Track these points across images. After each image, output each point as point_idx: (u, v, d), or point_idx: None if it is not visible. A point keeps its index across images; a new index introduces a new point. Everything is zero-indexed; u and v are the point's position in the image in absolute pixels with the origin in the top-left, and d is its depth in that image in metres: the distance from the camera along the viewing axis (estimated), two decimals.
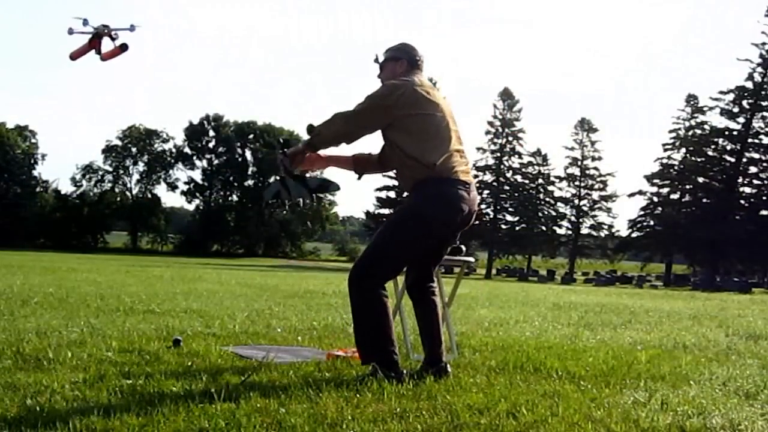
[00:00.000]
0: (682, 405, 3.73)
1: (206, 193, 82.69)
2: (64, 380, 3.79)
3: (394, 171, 4.43)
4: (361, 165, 4.64)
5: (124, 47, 4.32)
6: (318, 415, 3.22)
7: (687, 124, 57.98)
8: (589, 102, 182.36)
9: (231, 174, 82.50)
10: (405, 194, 4.44)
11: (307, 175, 4.47)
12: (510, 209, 64.56)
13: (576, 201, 63.82)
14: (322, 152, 4.51)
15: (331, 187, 4.61)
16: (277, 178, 4.43)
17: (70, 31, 4.31)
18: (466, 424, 3.17)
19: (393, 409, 3.37)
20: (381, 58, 4.44)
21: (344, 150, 4.48)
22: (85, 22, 4.28)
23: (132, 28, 4.31)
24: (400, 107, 4.15)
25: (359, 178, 4.66)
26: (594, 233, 64.45)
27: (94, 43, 4.30)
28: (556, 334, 7.25)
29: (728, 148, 54.71)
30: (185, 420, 3.07)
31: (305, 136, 4.32)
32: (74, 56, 4.40)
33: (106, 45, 4.31)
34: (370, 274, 4.11)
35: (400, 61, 4.38)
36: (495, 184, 64.14)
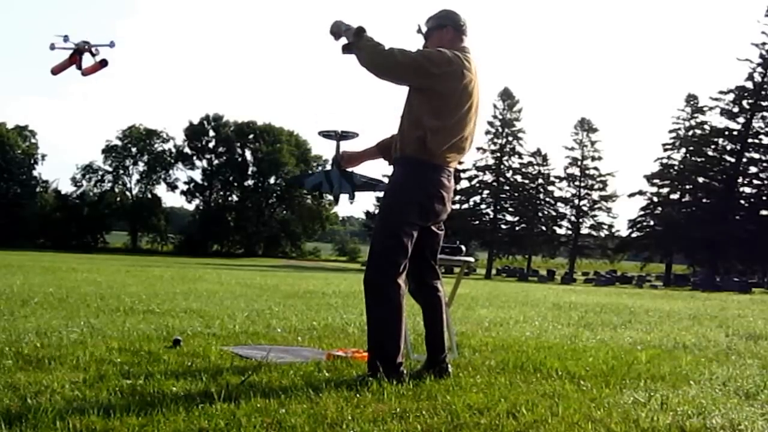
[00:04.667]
0: (682, 405, 3.73)
1: (206, 193, 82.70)
2: (64, 380, 3.79)
3: (399, 129, 4.27)
4: (388, 151, 4.50)
5: (104, 63, 4.38)
6: (318, 415, 3.21)
7: (687, 124, 57.95)
8: (589, 102, 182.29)
9: (231, 174, 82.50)
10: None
11: (353, 171, 4.42)
12: (510, 209, 64.53)
13: (576, 201, 63.79)
14: (355, 150, 4.46)
15: (378, 186, 4.56)
16: (323, 169, 4.41)
17: (52, 47, 4.36)
18: (466, 424, 3.17)
19: (393, 409, 3.37)
20: (424, 29, 4.32)
21: (367, 144, 4.41)
22: (66, 39, 4.34)
23: (112, 45, 4.37)
24: (442, 81, 4.07)
25: (390, 164, 4.47)
26: (594, 233, 64.42)
27: (74, 58, 4.36)
28: (556, 334, 7.25)
29: (728, 148, 54.67)
30: (185, 420, 3.07)
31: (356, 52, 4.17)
32: (55, 71, 4.48)
33: (87, 61, 4.37)
34: (380, 274, 4.10)
35: (446, 29, 4.26)
36: (495, 184, 64.11)
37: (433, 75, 4.06)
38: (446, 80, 4.08)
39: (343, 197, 4.66)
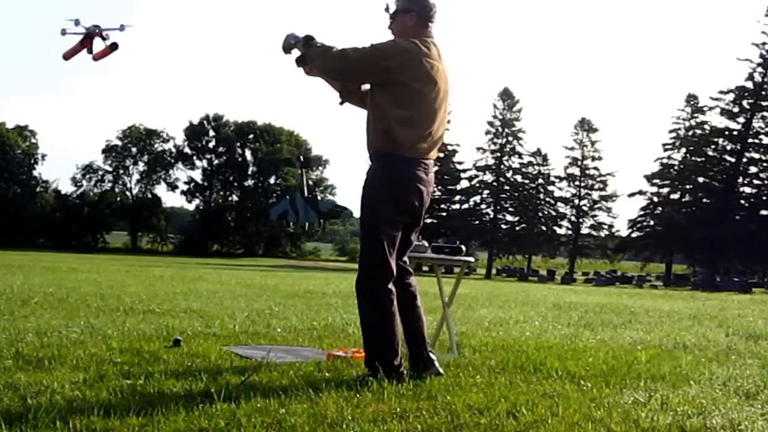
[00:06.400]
0: (682, 405, 3.73)
1: (206, 193, 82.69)
2: (64, 380, 3.79)
3: (365, 122, 4.23)
4: (347, 91, 4.41)
5: (114, 47, 4.37)
6: (318, 415, 3.22)
7: (687, 124, 57.96)
8: (589, 102, 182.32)
9: (231, 174, 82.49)
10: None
11: (320, 197, 4.42)
12: (510, 209, 64.52)
13: (576, 201, 63.79)
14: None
15: (344, 213, 4.52)
16: (287, 197, 4.39)
17: (63, 32, 4.36)
18: (466, 424, 3.17)
19: (393, 409, 3.37)
20: (392, 8, 4.22)
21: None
22: (77, 23, 4.33)
23: (122, 28, 4.35)
24: (400, 72, 4.00)
25: (341, 104, 4.42)
26: (594, 233, 64.42)
27: (85, 42, 4.35)
28: (556, 334, 7.25)
29: (728, 148, 54.66)
30: (185, 420, 3.07)
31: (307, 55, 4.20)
32: (67, 56, 4.46)
33: (98, 45, 4.36)
34: (370, 278, 4.09)
35: (410, 14, 4.15)
36: (495, 184, 64.10)
37: (388, 68, 4.00)
38: (404, 70, 4.00)
39: (310, 224, 4.62)
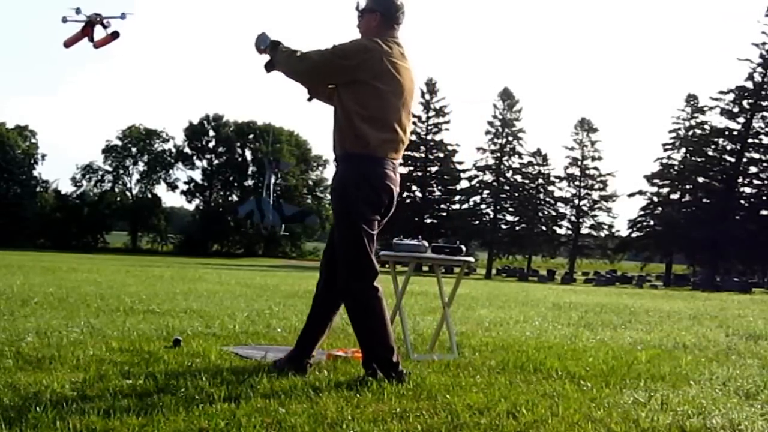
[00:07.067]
0: (682, 405, 3.73)
1: (206, 193, 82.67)
2: (64, 380, 3.79)
3: (333, 124, 4.26)
4: (314, 89, 4.43)
5: (115, 35, 4.36)
6: (318, 415, 3.22)
7: (687, 124, 57.95)
8: (589, 102, 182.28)
9: (231, 174, 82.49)
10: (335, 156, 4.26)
11: (283, 202, 4.42)
12: (510, 209, 64.49)
13: (576, 201, 63.78)
14: None
15: (308, 219, 4.50)
16: (255, 197, 4.41)
17: (64, 20, 4.35)
18: (466, 424, 3.17)
19: (393, 409, 3.37)
20: (361, 7, 4.26)
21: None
22: (78, 11, 4.32)
23: (123, 16, 4.34)
24: (361, 71, 4.05)
25: (309, 100, 4.43)
26: (594, 233, 64.41)
27: (86, 30, 4.34)
28: (556, 334, 7.25)
29: (728, 148, 54.66)
30: (185, 420, 3.07)
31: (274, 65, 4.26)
32: (68, 44, 4.44)
33: (99, 33, 4.35)
34: (354, 279, 4.10)
35: (375, 14, 4.20)
36: (495, 184, 64.09)
37: (349, 67, 4.05)
38: (365, 69, 4.05)
39: (273, 228, 4.61)
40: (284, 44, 4.24)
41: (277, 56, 4.22)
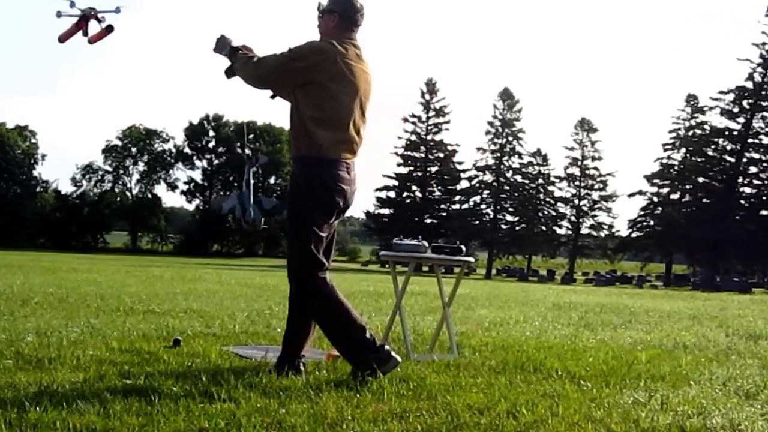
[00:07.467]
0: (682, 405, 3.73)
1: (206, 193, 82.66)
2: (64, 380, 3.79)
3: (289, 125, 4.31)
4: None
5: (110, 29, 4.34)
6: (318, 415, 3.22)
7: (687, 124, 57.97)
8: (589, 102, 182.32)
9: (231, 174, 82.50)
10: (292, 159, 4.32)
11: (262, 196, 4.45)
12: (510, 209, 64.53)
13: (576, 201, 63.80)
14: None
15: (285, 211, 4.51)
16: (236, 191, 4.44)
17: (59, 14, 4.34)
18: (466, 424, 3.17)
19: (393, 409, 3.37)
20: (322, 7, 4.28)
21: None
22: (72, 4, 4.30)
23: (117, 11, 4.32)
24: (315, 72, 4.08)
25: (272, 98, 4.45)
26: (594, 233, 64.44)
27: (81, 24, 4.32)
28: (556, 334, 7.25)
29: (728, 148, 54.69)
30: (185, 420, 3.07)
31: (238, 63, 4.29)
32: (62, 38, 4.43)
33: (93, 27, 4.33)
34: (303, 276, 4.16)
35: (333, 15, 4.22)
36: (495, 184, 64.12)
37: (304, 70, 4.08)
38: (320, 71, 4.08)
39: (255, 222, 4.63)
40: (243, 50, 4.28)
41: (236, 62, 4.27)
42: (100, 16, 4.31)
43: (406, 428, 3.10)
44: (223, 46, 4.34)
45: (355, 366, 4.09)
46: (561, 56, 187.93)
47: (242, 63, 4.23)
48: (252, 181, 4.49)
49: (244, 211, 4.42)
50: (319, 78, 4.08)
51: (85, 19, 4.31)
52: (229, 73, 4.36)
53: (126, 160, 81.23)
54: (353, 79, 4.15)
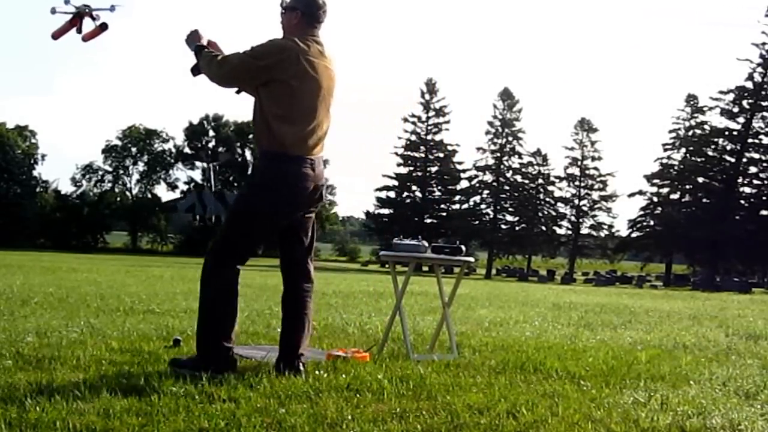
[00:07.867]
0: (682, 405, 3.73)
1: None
2: (64, 380, 3.79)
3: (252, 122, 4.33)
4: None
5: (104, 27, 4.33)
6: (318, 415, 3.22)
7: (687, 124, 57.97)
8: (589, 102, 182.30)
9: (231, 174, 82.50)
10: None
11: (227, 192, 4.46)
12: (510, 209, 64.52)
13: (576, 201, 63.79)
14: None
15: None
16: (196, 191, 4.44)
17: (53, 11, 4.32)
18: (466, 424, 3.17)
19: (393, 409, 3.37)
20: (285, 4, 4.28)
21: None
22: (66, 1, 4.28)
23: (112, 9, 4.31)
24: (277, 70, 4.09)
25: (238, 93, 4.43)
26: (594, 233, 64.43)
27: (75, 21, 4.31)
28: (556, 334, 7.25)
29: (728, 148, 54.69)
30: (185, 420, 3.07)
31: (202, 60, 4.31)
32: (56, 35, 4.41)
33: (87, 25, 4.32)
34: (221, 259, 4.13)
35: (295, 12, 4.23)
36: (495, 184, 64.10)
37: (266, 68, 4.09)
38: (281, 68, 4.08)
39: (218, 216, 4.65)
40: (209, 47, 4.30)
41: (201, 61, 4.28)
42: (94, 14, 4.31)
43: (406, 428, 3.10)
44: (192, 41, 4.34)
45: (198, 359, 4.09)
46: (561, 56, 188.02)
47: (206, 61, 4.24)
48: (214, 178, 4.50)
49: (205, 208, 4.43)
50: (282, 76, 4.08)
51: (79, 16, 4.30)
52: (195, 71, 4.37)
53: (126, 160, 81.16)
54: (316, 75, 4.16)
